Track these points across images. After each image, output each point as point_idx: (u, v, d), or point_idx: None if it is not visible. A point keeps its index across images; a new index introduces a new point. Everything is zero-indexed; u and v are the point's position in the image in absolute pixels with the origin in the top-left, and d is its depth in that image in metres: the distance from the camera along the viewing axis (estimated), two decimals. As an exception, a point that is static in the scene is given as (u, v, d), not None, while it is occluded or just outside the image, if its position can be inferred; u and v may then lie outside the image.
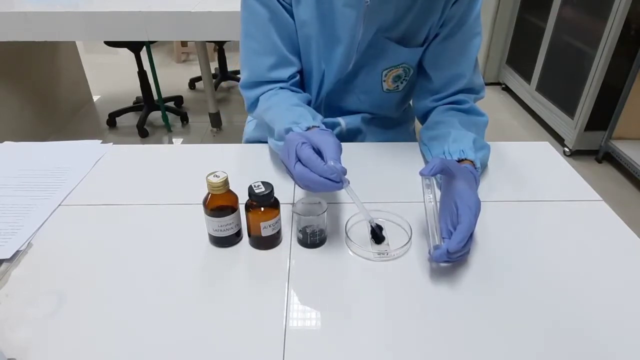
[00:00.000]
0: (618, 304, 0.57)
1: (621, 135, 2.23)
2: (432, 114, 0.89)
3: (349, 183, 0.59)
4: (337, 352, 0.50)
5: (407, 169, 0.82)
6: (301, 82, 0.91)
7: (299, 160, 0.59)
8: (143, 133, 2.65)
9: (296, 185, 0.66)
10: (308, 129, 0.69)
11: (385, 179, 0.80)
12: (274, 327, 0.53)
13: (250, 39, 0.83)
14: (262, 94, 0.84)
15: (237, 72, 3.34)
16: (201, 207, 0.62)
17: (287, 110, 0.76)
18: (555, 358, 0.50)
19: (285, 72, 0.83)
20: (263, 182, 0.62)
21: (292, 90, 0.84)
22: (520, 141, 0.93)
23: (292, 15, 0.81)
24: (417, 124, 1.01)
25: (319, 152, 0.59)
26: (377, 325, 0.53)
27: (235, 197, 0.63)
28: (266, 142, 0.95)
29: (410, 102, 1.03)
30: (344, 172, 0.58)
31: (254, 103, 0.86)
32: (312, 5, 0.79)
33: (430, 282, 0.59)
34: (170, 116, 2.80)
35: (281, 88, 0.84)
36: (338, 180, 0.57)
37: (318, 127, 0.70)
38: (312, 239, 0.64)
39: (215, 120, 2.58)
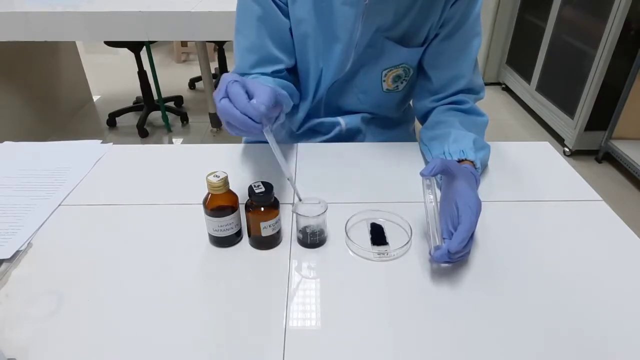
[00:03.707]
0: (618, 303, 0.57)
1: (621, 135, 2.23)
2: (432, 114, 0.89)
3: (270, 128, 0.59)
4: (337, 352, 0.50)
5: (407, 169, 0.82)
6: (297, 80, 0.91)
7: (227, 95, 0.58)
8: (143, 133, 2.65)
9: (296, 185, 0.66)
10: None
11: (385, 179, 0.80)
12: (274, 327, 0.53)
13: (239, 34, 0.85)
14: None
15: (237, 72, 3.34)
16: (201, 207, 0.62)
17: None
18: (556, 358, 0.50)
19: (268, 69, 0.84)
20: (263, 182, 0.62)
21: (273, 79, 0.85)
22: (520, 141, 0.93)
23: (286, 13, 0.82)
24: (417, 124, 1.01)
25: (252, 97, 0.58)
26: (377, 325, 0.53)
27: (235, 197, 0.63)
28: (266, 142, 0.95)
29: (410, 102, 1.03)
30: (266, 115, 0.57)
31: None
32: (309, 3, 0.79)
33: (431, 282, 0.59)
34: (170, 116, 2.80)
35: (261, 75, 0.84)
36: (258, 120, 0.56)
37: None
38: (312, 239, 0.64)
39: (215, 120, 2.58)
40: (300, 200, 0.63)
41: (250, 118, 0.56)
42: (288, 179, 0.63)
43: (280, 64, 0.85)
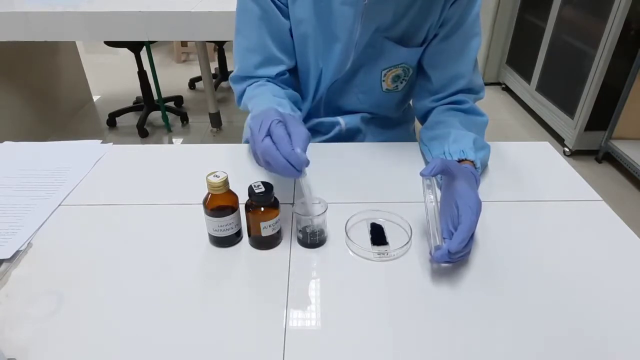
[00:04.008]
0: (618, 303, 0.57)
1: (621, 135, 2.23)
2: (432, 114, 0.89)
3: (305, 175, 0.60)
4: (337, 352, 0.50)
5: (407, 169, 0.82)
6: (297, 81, 0.91)
7: (269, 135, 0.59)
8: (143, 133, 2.65)
9: (296, 186, 0.66)
10: None
11: (385, 179, 0.80)
12: (274, 327, 0.53)
13: (240, 36, 0.85)
14: (249, 85, 0.85)
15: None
16: (201, 207, 0.62)
17: (271, 97, 0.77)
18: (556, 357, 0.50)
19: (272, 70, 0.84)
20: (263, 182, 0.62)
21: (279, 86, 0.85)
22: (520, 141, 0.93)
23: (286, 14, 0.82)
24: (417, 124, 1.01)
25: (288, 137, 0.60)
26: (377, 325, 0.53)
27: (235, 197, 0.63)
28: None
29: (410, 102, 1.03)
30: (307, 164, 0.58)
31: (242, 95, 0.87)
32: (309, 3, 0.79)
33: (431, 282, 0.59)
34: (170, 116, 2.80)
35: (268, 81, 0.85)
36: (299, 169, 0.58)
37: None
38: (312, 239, 0.64)
39: (215, 120, 2.58)
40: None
41: (292, 165, 0.57)
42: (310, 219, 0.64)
43: (283, 65, 0.85)
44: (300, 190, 0.63)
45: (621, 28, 2.00)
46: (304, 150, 0.59)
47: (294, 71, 0.90)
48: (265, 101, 0.75)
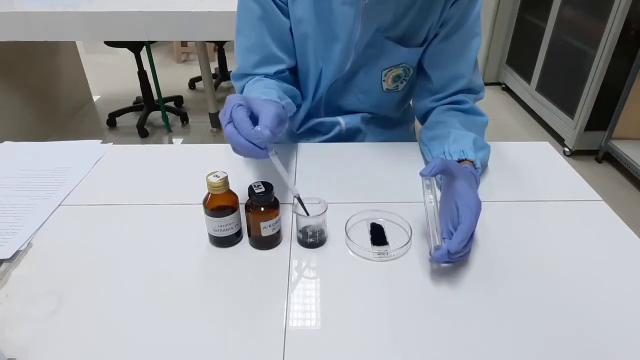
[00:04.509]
0: (618, 303, 0.57)
1: (621, 135, 2.23)
2: (432, 114, 0.89)
3: (275, 153, 0.60)
4: (337, 352, 0.50)
5: (407, 169, 0.82)
6: (298, 80, 0.91)
7: (231, 120, 0.59)
8: (143, 133, 2.65)
9: (296, 185, 0.66)
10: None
11: (385, 179, 0.80)
12: (274, 327, 0.53)
13: (240, 35, 0.85)
14: (248, 82, 0.86)
15: (237, 72, 3.34)
16: (201, 207, 0.62)
17: (261, 90, 0.77)
18: (556, 357, 0.50)
19: (270, 69, 0.85)
20: (263, 182, 0.62)
21: (277, 81, 0.85)
22: (520, 141, 0.93)
23: (286, 13, 0.82)
24: (417, 124, 1.01)
25: (257, 118, 0.59)
26: (377, 325, 0.53)
27: (235, 197, 0.63)
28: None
29: (410, 102, 1.03)
30: (271, 139, 0.58)
31: (241, 92, 0.87)
32: (309, 3, 0.79)
33: (431, 282, 0.59)
34: (170, 116, 2.80)
35: (265, 77, 0.85)
36: (263, 146, 0.58)
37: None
38: (312, 239, 0.64)
39: (215, 120, 2.58)
40: (307, 215, 0.63)
41: (255, 145, 0.57)
42: (295, 197, 0.63)
43: (282, 64, 0.85)
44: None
45: (621, 28, 2.00)
46: (273, 127, 0.58)
47: (294, 71, 0.90)
48: (254, 94, 0.76)
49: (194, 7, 1.77)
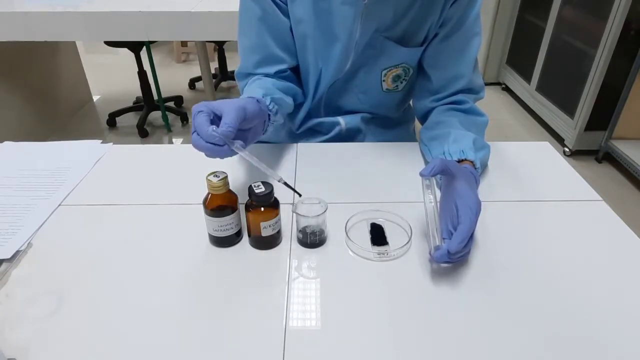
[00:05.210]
0: (618, 303, 0.56)
1: (621, 135, 2.23)
2: (432, 114, 0.89)
3: (241, 145, 0.60)
4: (337, 352, 0.50)
5: (407, 169, 0.82)
6: (298, 80, 0.91)
7: (195, 129, 0.60)
8: (143, 133, 2.65)
9: (296, 185, 0.66)
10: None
11: (385, 179, 0.80)
12: (274, 327, 0.53)
13: (242, 35, 0.86)
14: (249, 81, 0.87)
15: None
16: (201, 207, 0.62)
17: (254, 88, 0.78)
18: (556, 357, 0.50)
19: (271, 69, 0.85)
20: (263, 182, 0.62)
21: (277, 80, 0.86)
22: (520, 141, 0.93)
23: (286, 13, 0.82)
24: (417, 124, 1.01)
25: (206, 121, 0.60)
26: (377, 325, 0.53)
27: (235, 197, 0.63)
28: (266, 142, 0.95)
29: (410, 102, 1.03)
30: (228, 135, 0.58)
31: (243, 91, 0.88)
32: (308, 2, 0.79)
33: (431, 282, 0.59)
34: (170, 116, 2.80)
35: (265, 76, 0.86)
36: (221, 143, 0.58)
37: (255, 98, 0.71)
38: (312, 239, 0.64)
39: (215, 120, 2.58)
40: (299, 195, 0.63)
41: (214, 144, 0.58)
42: (279, 181, 0.63)
43: (283, 63, 0.85)
44: (292, 188, 0.62)
45: (621, 28, 2.00)
46: (232, 122, 0.59)
47: (296, 70, 0.90)
48: (247, 94, 0.77)
49: (194, 7, 1.77)
